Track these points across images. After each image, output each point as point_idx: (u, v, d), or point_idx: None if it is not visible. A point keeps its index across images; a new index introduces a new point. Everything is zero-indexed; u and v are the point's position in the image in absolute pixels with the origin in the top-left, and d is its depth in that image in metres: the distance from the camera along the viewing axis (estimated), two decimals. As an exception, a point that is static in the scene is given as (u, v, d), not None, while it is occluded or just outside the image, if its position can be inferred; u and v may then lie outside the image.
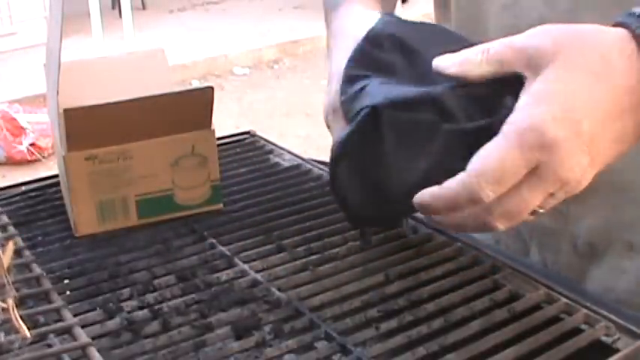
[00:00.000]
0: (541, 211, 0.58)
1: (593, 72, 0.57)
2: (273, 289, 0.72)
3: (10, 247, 0.68)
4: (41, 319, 0.67)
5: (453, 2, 0.87)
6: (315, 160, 1.02)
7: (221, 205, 0.89)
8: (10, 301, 0.59)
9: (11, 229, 0.82)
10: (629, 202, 0.78)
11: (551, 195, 0.57)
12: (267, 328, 0.66)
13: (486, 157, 0.56)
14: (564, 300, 0.69)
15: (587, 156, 0.56)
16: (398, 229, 0.83)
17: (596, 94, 0.56)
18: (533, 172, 0.56)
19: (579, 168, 0.56)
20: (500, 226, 0.58)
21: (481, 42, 0.62)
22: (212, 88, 0.83)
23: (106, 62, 1.03)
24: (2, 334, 0.60)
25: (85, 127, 0.81)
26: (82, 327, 0.65)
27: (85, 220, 0.84)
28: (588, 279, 0.83)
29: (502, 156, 0.55)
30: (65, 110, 0.78)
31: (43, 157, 3.97)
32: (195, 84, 5.11)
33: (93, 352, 0.61)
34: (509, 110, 0.58)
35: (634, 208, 0.78)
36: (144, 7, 7.02)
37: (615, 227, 0.80)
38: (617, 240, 0.80)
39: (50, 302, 0.69)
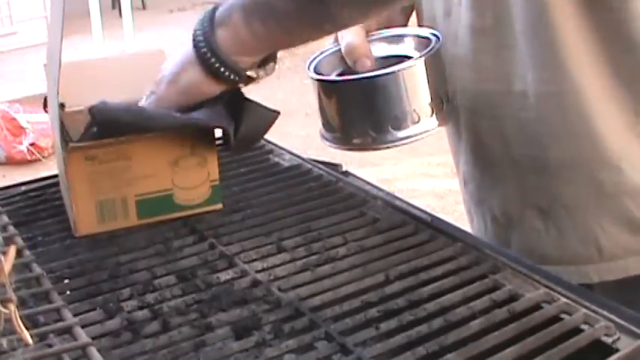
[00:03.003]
0: None
1: None
2: (274, 289, 0.72)
3: (12, 251, 0.68)
4: (41, 319, 0.66)
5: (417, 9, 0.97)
6: (315, 160, 1.02)
7: (221, 205, 0.89)
8: (12, 307, 0.59)
9: (11, 229, 0.82)
10: (530, 172, 0.86)
11: None
12: (267, 328, 0.66)
13: None
14: (564, 300, 0.69)
15: None
16: (398, 229, 0.83)
17: None
18: None
19: None
20: None
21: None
22: (212, 88, 0.83)
23: (106, 62, 1.03)
24: (4, 341, 0.60)
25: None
26: (82, 327, 0.65)
27: (85, 220, 0.84)
28: (512, 244, 0.91)
29: None
30: (66, 110, 0.78)
31: (43, 157, 3.97)
32: (195, 84, 5.10)
33: (93, 352, 0.61)
34: None
35: (535, 177, 0.86)
36: (144, 7, 7.02)
37: (524, 195, 0.88)
38: (528, 207, 0.88)
39: (50, 302, 0.69)
